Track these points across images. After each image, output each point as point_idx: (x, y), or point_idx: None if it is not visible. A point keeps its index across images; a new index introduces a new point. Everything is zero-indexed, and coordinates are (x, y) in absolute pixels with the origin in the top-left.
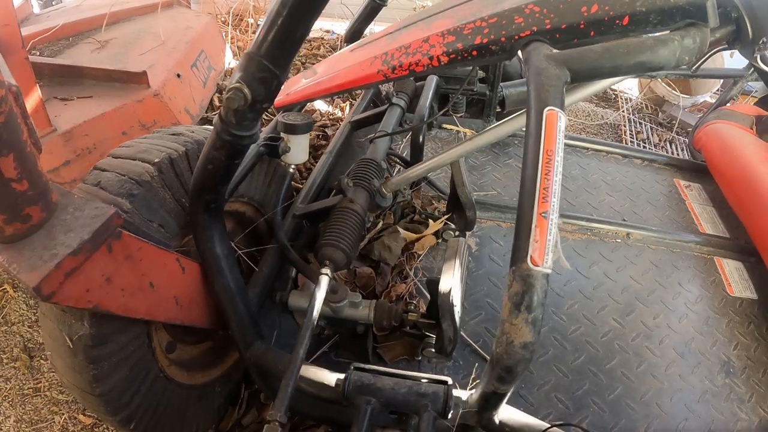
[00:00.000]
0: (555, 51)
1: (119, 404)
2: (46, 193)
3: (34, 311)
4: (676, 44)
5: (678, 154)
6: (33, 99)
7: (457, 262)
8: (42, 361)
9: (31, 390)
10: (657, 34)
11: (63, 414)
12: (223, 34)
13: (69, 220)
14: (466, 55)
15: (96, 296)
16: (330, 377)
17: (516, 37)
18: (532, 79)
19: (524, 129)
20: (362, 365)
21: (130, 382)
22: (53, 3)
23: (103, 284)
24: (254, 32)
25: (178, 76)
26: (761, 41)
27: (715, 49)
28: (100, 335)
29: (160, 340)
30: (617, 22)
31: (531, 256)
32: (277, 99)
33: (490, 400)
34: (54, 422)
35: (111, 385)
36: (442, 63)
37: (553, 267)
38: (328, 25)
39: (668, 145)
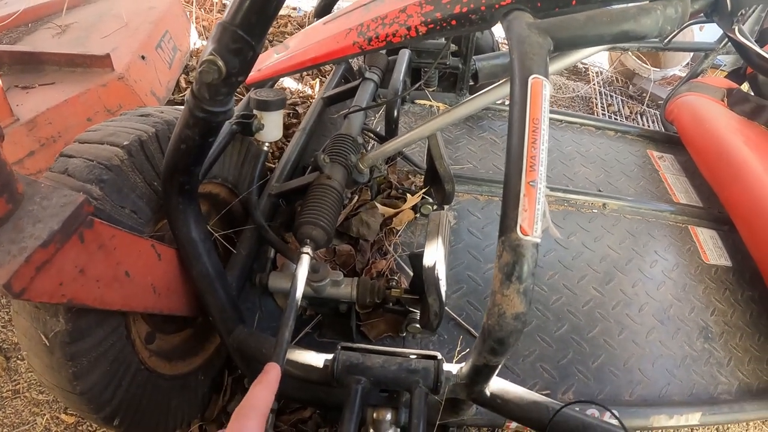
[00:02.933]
0: (537, 20)
1: (101, 401)
2: (11, 183)
3: (7, 310)
4: (658, 13)
5: (649, 126)
6: None
7: (440, 235)
8: (19, 361)
9: (9, 392)
10: (639, 3)
11: (45, 414)
12: (187, 13)
13: (36, 211)
14: (445, 24)
15: (70, 289)
16: (317, 359)
17: (496, 6)
18: (516, 48)
19: (499, 101)
20: (350, 344)
21: (111, 377)
22: None
23: (77, 276)
24: (219, 11)
25: (143, 58)
26: (739, 13)
27: (691, 21)
28: (77, 330)
29: (138, 331)
30: None
31: (520, 226)
32: (248, 76)
33: (481, 373)
34: (36, 423)
35: (92, 382)
36: (421, 33)
37: (542, 236)
38: (295, 1)
39: (639, 117)
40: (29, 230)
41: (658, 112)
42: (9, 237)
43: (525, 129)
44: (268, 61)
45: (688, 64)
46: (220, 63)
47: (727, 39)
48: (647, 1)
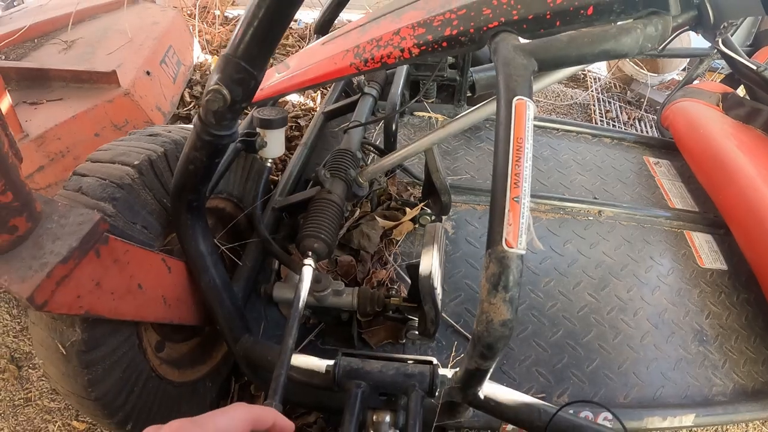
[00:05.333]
0: (522, 41)
1: (115, 406)
2: (30, 202)
3: (19, 320)
4: (638, 32)
5: (647, 132)
6: (4, 105)
7: (435, 246)
8: (30, 370)
9: (22, 400)
10: (620, 22)
11: (56, 422)
12: (190, 27)
13: (55, 228)
14: (436, 46)
15: (87, 301)
16: (319, 364)
17: (484, 28)
18: (501, 70)
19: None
20: (350, 351)
21: (124, 384)
22: (15, 3)
23: (93, 289)
24: (221, 24)
25: (148, 73)
26: (722, 26)
27: (677, 32)
28: (92, 339)
29: (149, 339)
30: (582, 12)
31: (505, 239)
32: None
33: (474, 377)
34: (48, 431)
35: (106, 388)
36: (413, 55)
37: (526, 248)
38: (296, 14)
39: (637, 122)
40: (49, 247)
41: (655, 118)
42: (30, 253)
43: (509, 148)
44: (270, 80)
45: (685, 68)
46: (225, 92)
47: None
48: (630, 20)
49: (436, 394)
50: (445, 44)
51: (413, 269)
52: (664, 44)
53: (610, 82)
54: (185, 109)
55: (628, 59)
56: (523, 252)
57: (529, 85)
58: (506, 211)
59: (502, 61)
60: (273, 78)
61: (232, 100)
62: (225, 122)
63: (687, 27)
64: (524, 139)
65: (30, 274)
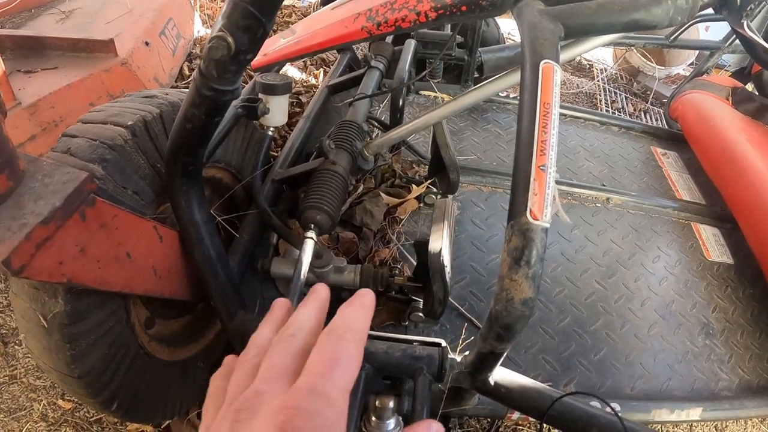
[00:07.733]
0: (547, 7)
1: (100, 385)
2: (13, 160)
3: (6, 296)
4: (669, 3)
5: (653, 124)
6: None
7: (446, 222)
8: (17, 347)
9: (6, 378)
10: None
11: (42, 400)
12: (191, 1)
13: (38, 188)
14: (455, 10)
15: (70, 269)
16: None
17: None
18: (527, 33)
19: (503, 94)
20: None
21: (109, 361)
22: None
23: (77, 255)
24: (222, 0)
25: (147, 44)
26: (749, 7)
27: (699, 18)
28: (76, 312)
29: (138, 315)
30: None
31: (530, 210)
32: (254, 60)
33: (486, 361)
34: (33, 409)
35: (90, 365)
36: (430, 18)
37: (551, 221)
38: None
39: (642, 114)
40: (30, 207)
41: (661, 111)
42: (9, 214)
43: (536, 113)
44: (274, 45)
45: (692, 63)
46: (230, 39)
47: (733, 38)
48: None
49: (445, 379)
50: (464, 8)
51: (422, 246)
52: (678, 32)
53: (616, 73)
54: (184, 82)
55: (635, 49)
56: (548, 225)
57: (557, 50)
58: (531, 180)
59: (528, 25)
60: (278, 43)
61: (236, 50)
62: (227, 75)
63: (711, 9)
64: (551, 104)
65: (7, 236)
